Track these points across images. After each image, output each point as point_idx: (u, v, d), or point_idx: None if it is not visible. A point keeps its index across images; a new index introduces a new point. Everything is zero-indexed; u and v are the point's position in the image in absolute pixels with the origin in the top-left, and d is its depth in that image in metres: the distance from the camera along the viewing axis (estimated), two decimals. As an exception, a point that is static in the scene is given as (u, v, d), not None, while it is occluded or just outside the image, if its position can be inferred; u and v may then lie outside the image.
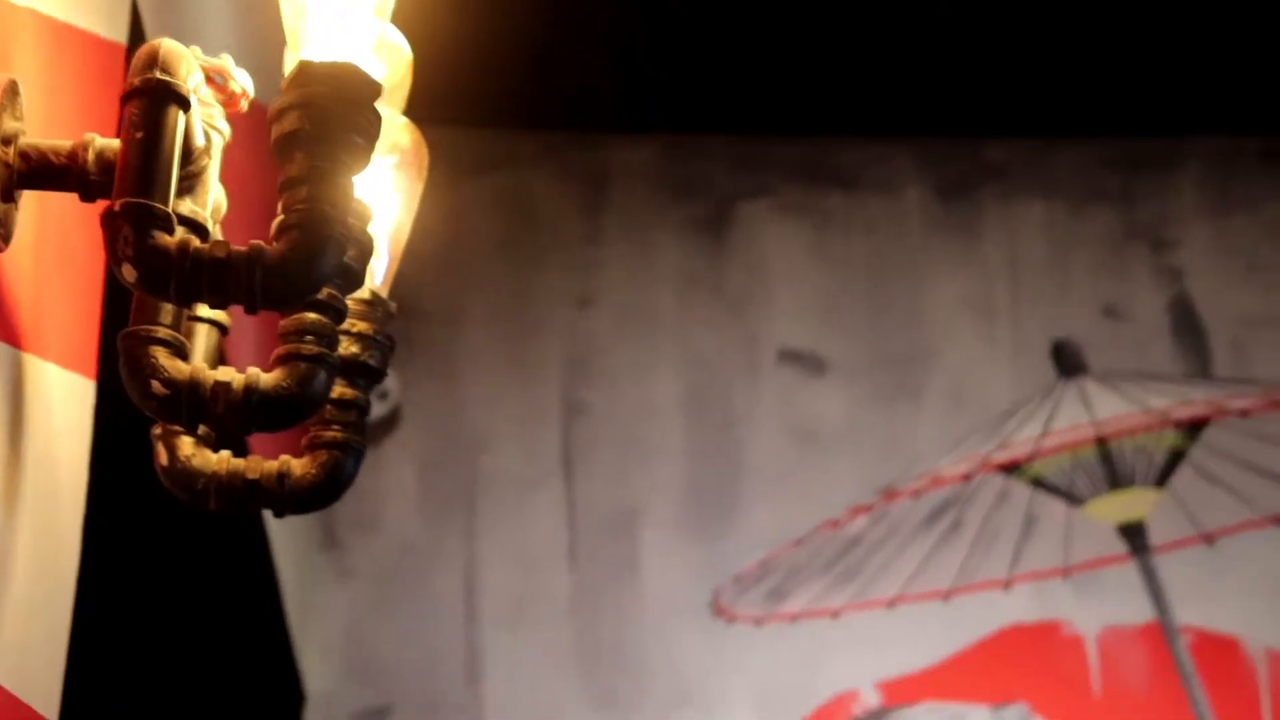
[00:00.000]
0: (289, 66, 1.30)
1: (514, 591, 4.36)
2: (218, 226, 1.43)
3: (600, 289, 4.57)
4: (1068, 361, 4.35)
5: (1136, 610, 4.22)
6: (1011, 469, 4.27)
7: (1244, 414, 4.19)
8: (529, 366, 4.52)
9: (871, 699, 4.21)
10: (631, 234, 4.60)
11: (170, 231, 1.25)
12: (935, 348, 4.47)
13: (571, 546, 4.38)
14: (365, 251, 1.37)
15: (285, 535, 3.78)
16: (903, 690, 4.22)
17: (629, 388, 4.50)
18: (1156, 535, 4.24)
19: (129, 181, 1.26)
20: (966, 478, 4.25)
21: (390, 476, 4.45)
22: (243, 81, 1.44)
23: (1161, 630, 4.15)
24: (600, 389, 4.50)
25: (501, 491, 4.43)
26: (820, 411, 4.46)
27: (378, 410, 4.34)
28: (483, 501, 4.43)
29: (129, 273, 1.24)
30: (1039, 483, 4.25)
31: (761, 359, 4.50)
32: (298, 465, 1.46)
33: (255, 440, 2.24)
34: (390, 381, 4.35)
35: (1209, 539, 4.27)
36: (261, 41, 2.35)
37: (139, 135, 1.28)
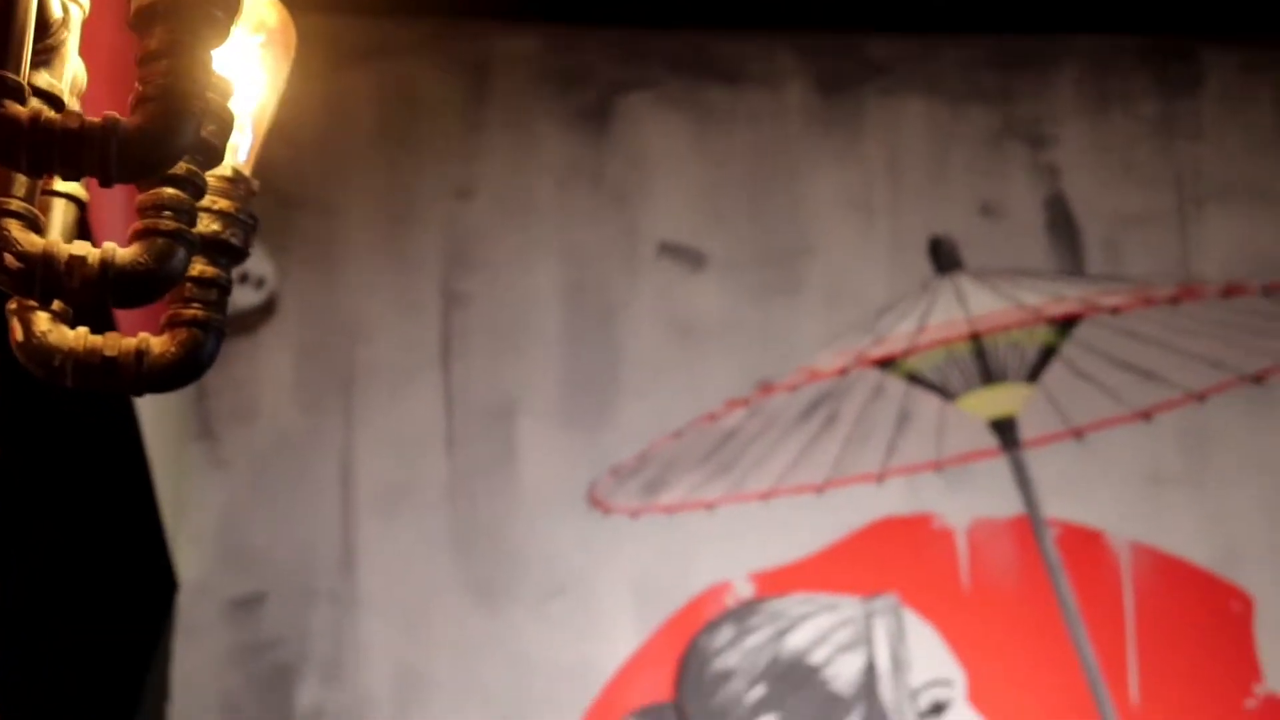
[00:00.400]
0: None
1: (390, 480, 4.36)
2: (76, 99, 1.41)
3: (481, 179, 4.55)
4: (944, 258, 4.39)
5: (1006, 503, 4.29)
6: (887, 364, 4.31)
7: (1115, 311, 4.25)
8: (408, 256, 4.49)
9: (745, 590, 4.26)
10: (513, 124, 4.57)
11: (23, 102, 1.24)
12: (814, 243, 4.50)
13: (449, 436, 4.38)
14: (225, 127, 1.36)
15: (159, 425, 3.75)
16: (776, 581, 4.27)
17: (508, 278, 4.49)
18: (1027, 430, 4.30)
19: (-20, 51, 1.25)
20: (843, 372, 4.29)
21: (266, 365, 4.42)
22: (97, -50, 1.42)
23: (1030, 523, 4.23)
24: (479, 279, 4.49)
25: (379, 381, 4.42)
26: (699, 305, 4.47)
27: (253, 298, 4.31)
28: (360, 391, 4.42)
29: (-22, 142, 1.22)
30: (914, 378, 4.29)
31: (641, 251, 4.50)
32: (156, 343, 1.44)
33: (123, 320, 2.22)
34: (267, 269, 4.31)
35: (1078, 434, 4.34)
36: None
37: (-9, 4, 1.26)
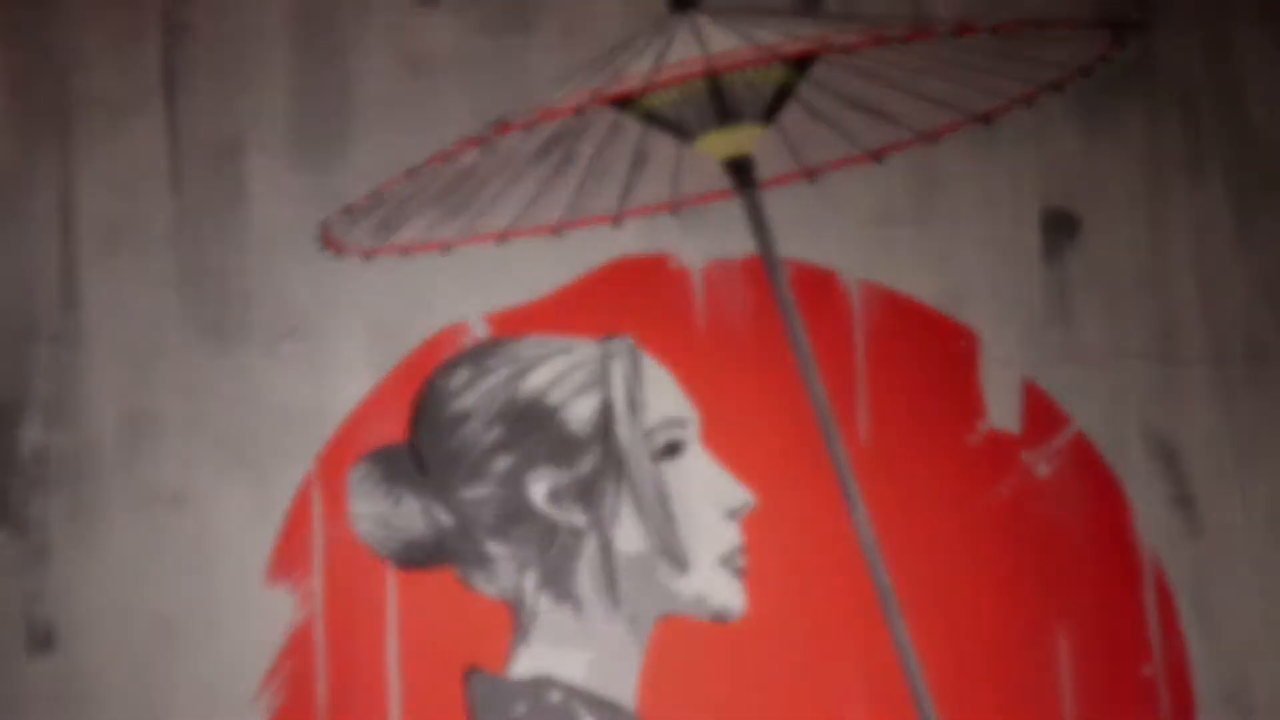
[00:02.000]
0: None
1: (113, 218, 4.24)
2: None
3: (202, -95, 4.40)
4: (681, -6, 4.34)
5: (740, 244, 4.30)
6: (623, 103, 4.27)
7: (849, 50, 4.24)
8: (126, -17, 4.35)
9: (480, 331, 4.24)
10: None
11: None
12: (550, -22, 4.44)
13: (173, 173, 4.26)
14: None
15: None
16: (510, 322, 4.25)
17: (233, 9, 4.34)
18: (762, 170, 4.30)
19: None
20: (578, 110, 4.24)
21: (-24, 96, 4.28)
22: None
23: (763, 263, 4.24)
24: (203, 8, 4.34)
25: (98, 114, 4.27)
26: (432, 41, 4.38)
27: (-39, 24, 4.13)
28: (78, 125, 4.27)
29: None
30: (650, 117, 4.25)
31: (372, -16, 4.40)
32: None
33: None
34: (-26, -7, 4.13)
35: (811, 174, 4.36)
36: None
37: None
